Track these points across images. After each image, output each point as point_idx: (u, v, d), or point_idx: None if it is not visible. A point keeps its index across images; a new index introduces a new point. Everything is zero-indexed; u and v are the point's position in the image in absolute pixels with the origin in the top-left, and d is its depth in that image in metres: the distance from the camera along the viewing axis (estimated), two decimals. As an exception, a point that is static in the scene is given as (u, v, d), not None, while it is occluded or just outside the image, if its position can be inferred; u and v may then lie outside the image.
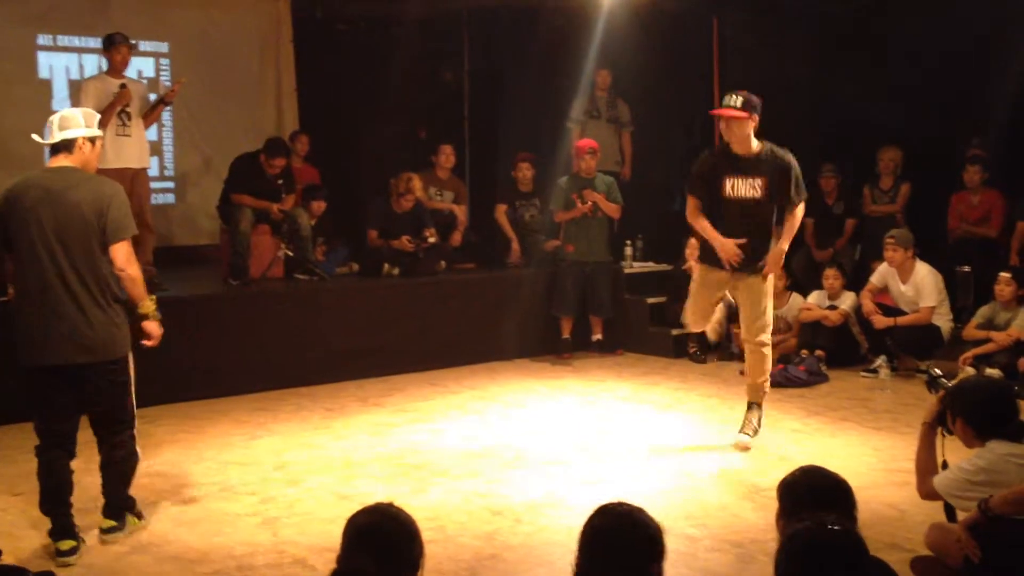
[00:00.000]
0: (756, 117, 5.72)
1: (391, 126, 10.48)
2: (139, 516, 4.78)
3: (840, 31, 9.71)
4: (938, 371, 4.19)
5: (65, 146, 4.49)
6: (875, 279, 8.16)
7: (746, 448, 5.94)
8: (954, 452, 3.89)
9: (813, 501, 2.88)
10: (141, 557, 4.43)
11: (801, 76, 9.67)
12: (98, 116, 4.74)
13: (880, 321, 7.94)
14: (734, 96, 5.68)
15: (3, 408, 6.45)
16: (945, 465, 3.82)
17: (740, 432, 6.05)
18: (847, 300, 8.27)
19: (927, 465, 3.87)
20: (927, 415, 3.95)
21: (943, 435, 3.88)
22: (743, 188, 5.76)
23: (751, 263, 5.78)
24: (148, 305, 4.62)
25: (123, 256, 4.46)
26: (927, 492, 3.85)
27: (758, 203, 5.75)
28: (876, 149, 9.32)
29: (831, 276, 8.36)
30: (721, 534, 4.62)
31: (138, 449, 4.73)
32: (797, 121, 9.74)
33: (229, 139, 9.89)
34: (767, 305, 5.94)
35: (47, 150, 4.58)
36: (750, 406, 6.12)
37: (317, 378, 7.80)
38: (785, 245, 5.84)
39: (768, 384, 6.18)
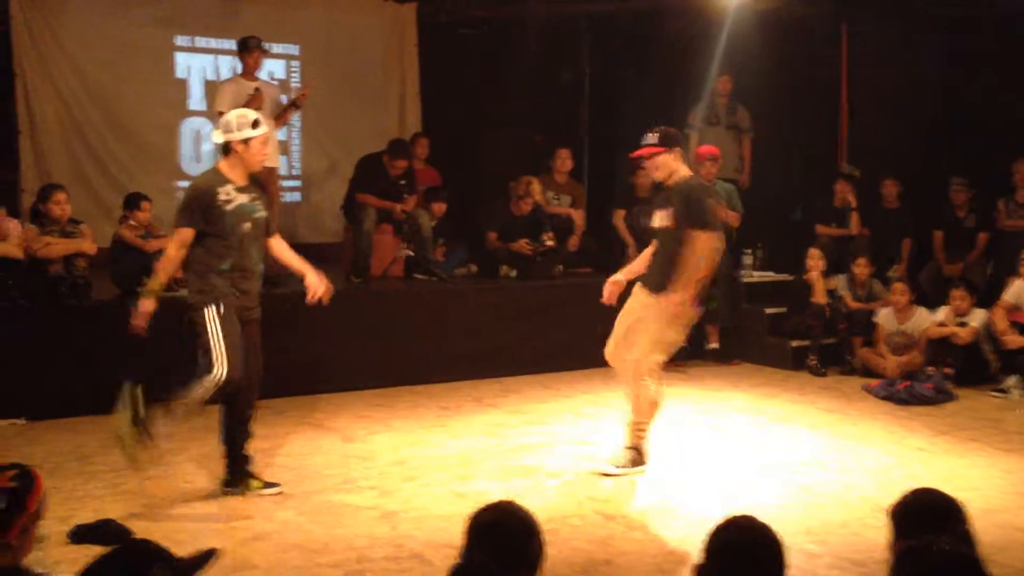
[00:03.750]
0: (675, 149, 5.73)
1: (511, 129, 10.56)
2: None
3: (974, 37, 9.38)
4: None
5: (220, 149, 5.18)
6: (1008, 296, 7.86)
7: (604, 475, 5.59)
8: None
9: (925, 523, 2.81)
10: (264, 544, 4.56)
11: (933, 84, 9.38)
12: (252, 117, 5.13)
13: (1013, 341, 7.65)
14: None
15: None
16: None
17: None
18: (978, 317, 7.98)
19: None
20: None
21: None
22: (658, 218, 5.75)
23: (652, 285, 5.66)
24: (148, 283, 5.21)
25: None
26: None
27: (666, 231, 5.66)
28: (1012, 160, 8.97)
29: (958, 297, 8.06)
30: (842, 552, 4.51)
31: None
32: (928, 130, 9.47)
33: (354, 140, 10.11)
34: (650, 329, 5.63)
35: (184, 147, 5.10)
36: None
37: (433, 376, 7.91)
38: (680, 279, 5.49)
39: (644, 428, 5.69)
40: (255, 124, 5.10)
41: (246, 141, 5.06)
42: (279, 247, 5.43)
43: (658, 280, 5.62)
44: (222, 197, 5.02)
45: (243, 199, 5.08)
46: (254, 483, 5.22)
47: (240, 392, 5.09)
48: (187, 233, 5.01)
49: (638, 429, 5.70)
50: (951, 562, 2.36)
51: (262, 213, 5.17)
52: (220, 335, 4.97)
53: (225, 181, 5.07)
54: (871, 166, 9.79)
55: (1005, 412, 7.26)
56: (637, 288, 5.85)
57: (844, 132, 10.21)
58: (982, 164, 9.17)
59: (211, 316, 4.98)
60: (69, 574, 3.63)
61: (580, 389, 7.87)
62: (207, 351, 4.96)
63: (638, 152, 5.77)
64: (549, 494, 5.30)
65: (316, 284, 5.31)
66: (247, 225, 5.08)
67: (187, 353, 5.11)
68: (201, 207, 5.01)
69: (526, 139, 10.93)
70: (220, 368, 4.94)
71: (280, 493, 5.21)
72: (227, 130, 5.10)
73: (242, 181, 5.12)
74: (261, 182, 5.22)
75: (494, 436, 6.46)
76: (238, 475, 5.22)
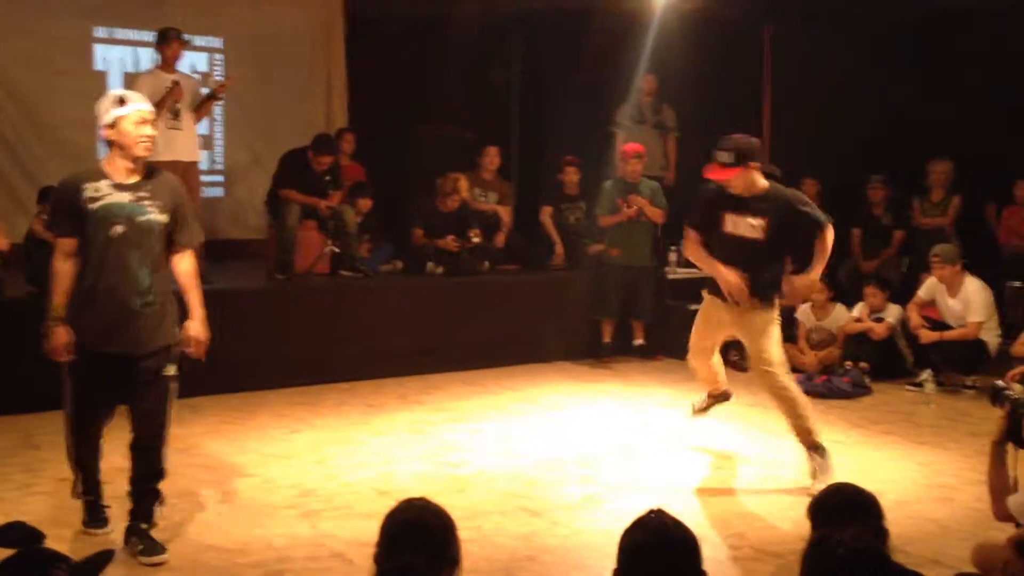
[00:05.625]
0: (752, 164, 5.37)
1: (439, 126, 10.52)
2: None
3: (893, 41, 9.61)
4: (1002, 383, 4.05)
5: (105, 143, 4.40)
6: (923, 292, 8.05)
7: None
8: None
9: (841, 517, 2.87)
10: (182, 546, 4.47)
11: (853, 85, 9.58)
12: (120, 93, 4.40)
13: (926, 335, 7.83)
14: (723, 153, 5.35)
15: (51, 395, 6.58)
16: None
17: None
18: (893, 313, 8.18)
19: (1000, 485, 3.76)
20: (995, 432, 3.86)
21: (1015, 451, 3.78)
22: (743, 227, 5.42)
23: (749, 300, 5.47)
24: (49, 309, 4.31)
25: None
26: (1002, 514, 3.75)
27: (756, 242, 5.41)
28: (927, 160, 9.21)
29: (870, 293, 8.26)
30: (760, 544, 4.58)
31: (69, 468, 4.55)
32: (847, 130, 9.67)
33: (278, 135, 9.97)
34: (771, 339, 5.54)
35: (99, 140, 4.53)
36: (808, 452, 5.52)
37: (358, 374, 7.85)
38: (815, 273, 5.53)
39: (810, 423, 5.50)
40: (121, 101, 4.29)
41: (114, 124, 4.25)
42: (183, 267, 4.48)
43: (757, 291, 5.45)
44: (88, 194, 4.21)
45: (120, 197, 4.24)
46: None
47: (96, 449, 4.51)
48: (64, 243, 4.26)
49: (804, 430, 5.47)
50: (855, 555, 2.40)
51: (153, 217, 4.28)
52: (68, 390, 4.36)
53: (99, 176, 4.27)
54: (791, 165, 9.94)
55: (919, 406, 7.45)
56: (715, 299, 5.65)
57: (767, 131, 10.39)
58: (898, 164, 9.40)
59: (65, 365, 4.31)
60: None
61: (506, 386, 7.88)
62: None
63: (713, 174, 5.39)
64: (472, 491, 5.29)
65: (197, 334, 4.47)
66: (118, 228, 4.21)
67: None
68: (64, 209, 4.27)
69: (454, 136, 10.90)
70: (66, 433, 4.45)
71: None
72: (98, 120, 4.32)
73: (124, 177, 4.27)
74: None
75: (419, 433, 6.44)
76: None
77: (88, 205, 4.22)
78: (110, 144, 4.31)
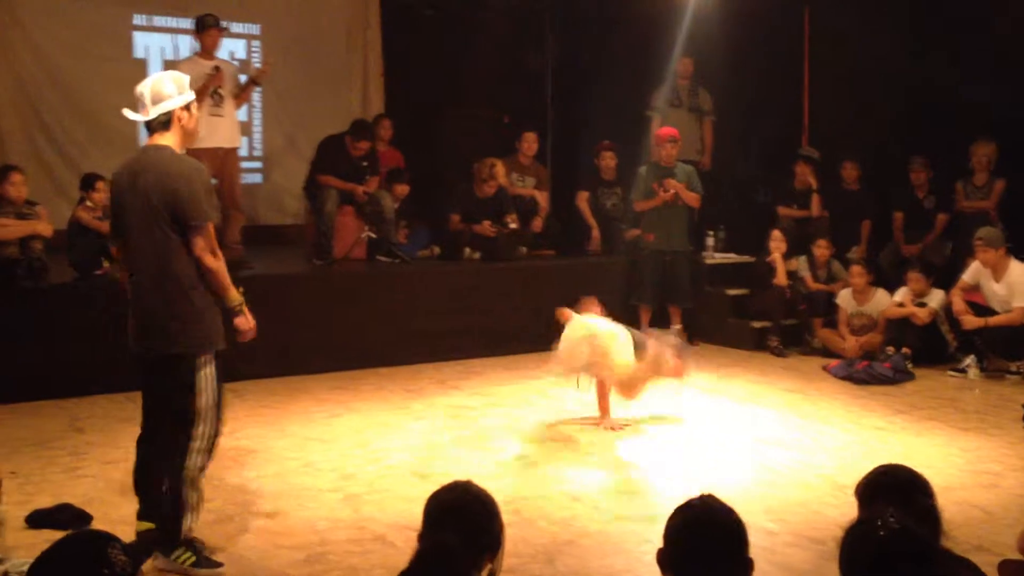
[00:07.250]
0: None
1: (475, 111, 10.51)
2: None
3: (934, 21, 9.45)
4: None
5: (161, 123, 4.04)
6: (967, 277, 7.94)
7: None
8: None
9: (889, 498, 2.81)
10: (225, 527, 4.52)
11: (893, 67, 9.44)
12: (187, 77, 4.18)
13: (970, 321, 7.72)
14: None
15: (95, 380, 6.67)
16: None
17: None
18: (936, 298, 8.07)
19: None
20: None
21: None
22: None
23: None
24: (233, 298, 4.09)
25: (199, 245, 3.96)
26: None
27: None
28: (970, 142, 9.06)
29: (913, 279, 8.13)
30: (801, 530, 4.56)
31: (190, 487, 4.03)
32: (889, 113, 9.54)
33: (316, 121, 10.04)
34: None
35: (142, 128, 4.30)
36: None
37: (396, 359, 7.89)
38: None
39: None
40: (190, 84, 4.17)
41: (188, 107, 4.07)
42: None
43: None
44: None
45: None
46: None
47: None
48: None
49: None
50: (897, 537, 2.34)
51: None
52: (213, 391, 4.03)
53: None
54: (832, 148, 9.86)
55: (962, 391, 7.36)
56: None
57: (806, 114, 10.27)
58: (941, 147, 9.25)
59: (206, 363, 4.02)
60: (27, 559, 3.59)
61: (545, 371, 7.81)
62: (189, 409, 3.99)
63: None
64: (513, 475, 5.31)
65: None
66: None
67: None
68: (209, 194, 4.04)
69: (490, 120, 10.89)
70: (207, 426, 4.03)
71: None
72: (159, 98, 4.00)
73: None
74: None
75: (457, 418, 6.46)
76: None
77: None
78: (170, 126, 4.03)
